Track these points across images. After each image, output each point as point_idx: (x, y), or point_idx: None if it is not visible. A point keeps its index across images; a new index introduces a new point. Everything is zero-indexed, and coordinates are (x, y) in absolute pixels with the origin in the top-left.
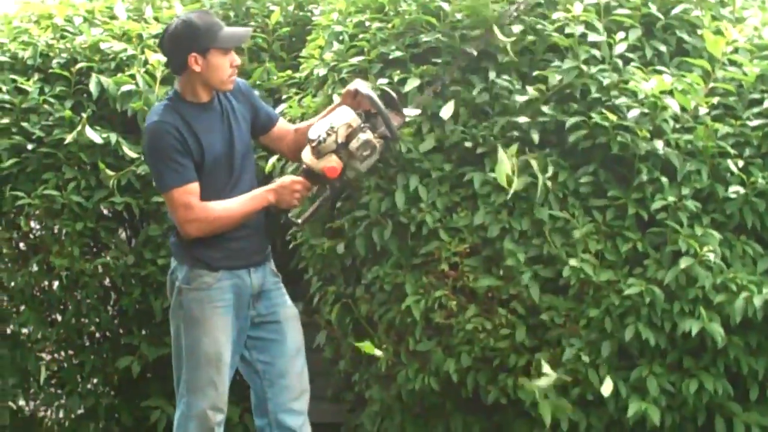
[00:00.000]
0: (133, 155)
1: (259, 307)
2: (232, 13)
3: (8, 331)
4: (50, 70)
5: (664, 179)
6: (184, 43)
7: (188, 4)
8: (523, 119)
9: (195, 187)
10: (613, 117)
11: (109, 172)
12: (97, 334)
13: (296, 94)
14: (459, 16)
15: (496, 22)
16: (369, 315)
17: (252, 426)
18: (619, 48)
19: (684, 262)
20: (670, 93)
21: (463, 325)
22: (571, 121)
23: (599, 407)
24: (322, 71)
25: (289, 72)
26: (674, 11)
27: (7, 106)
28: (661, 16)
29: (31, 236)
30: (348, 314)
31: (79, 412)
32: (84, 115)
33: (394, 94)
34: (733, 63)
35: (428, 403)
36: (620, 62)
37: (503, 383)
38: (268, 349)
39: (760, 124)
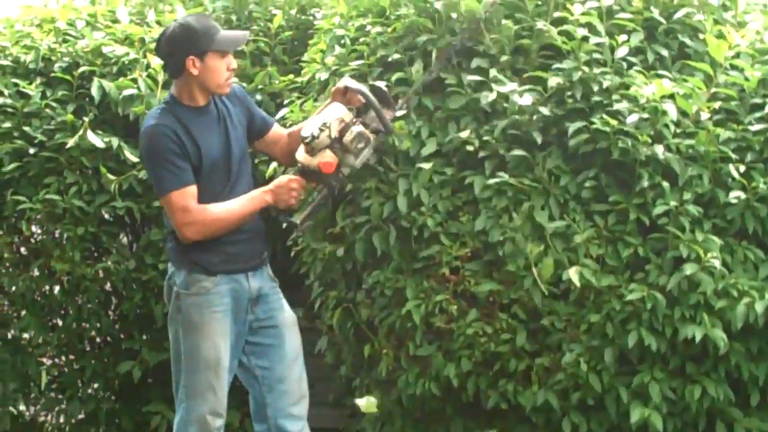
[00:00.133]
0: (135, 160)
1: (257, 312)
2: (234, 17)
3: (9, 335)
4: (52, 74)
5: (665, 184)
6: (182, 46)
7: (190, 7)
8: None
9: (193, 190)
10: (613, 122)
11: (111, 177)
12: (98, 339)
13: (298, 98)
14: (454, 15)
15: (479, 13)
16: (370, 320)
17: (252, 431)
18: (621, 51)
19: (686, 268)
20: (671, 98)
21: (463, 330)
22: (572, 126)
23: (600, 412)
24: (323, 75)
25: (291, 76)
26: (676, 15)
27: (9, 110)
28: (663, 20)
29: (33, 241)
30: (349, 319)
31: (80, 417)
32: (86, 120)
33: (384, 89)
34: (735, 68)
35: (429, 407)
36: (624, 65)
37: (504, 388)
38: (267, 354)
39: (761, 129)
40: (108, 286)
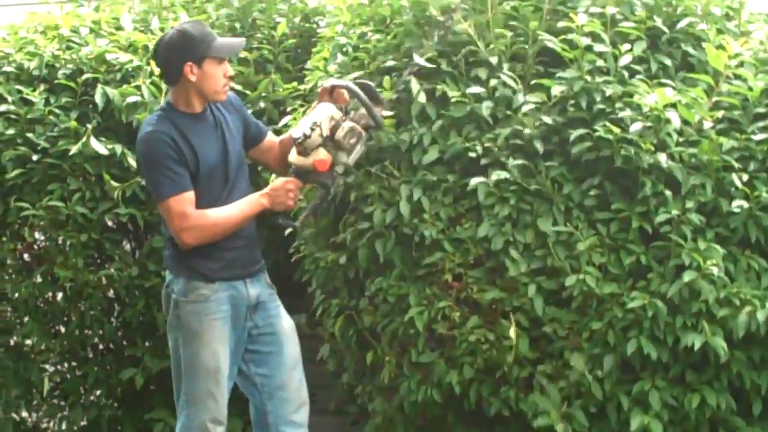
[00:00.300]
0: None
1: (256, 319)
2: (238, 25)
3: (12, 342)
4: (56, 81)
5: (668, 193)
6: (179, 52)
7: (194, 15)
8: (527, 129)
9: (191, 195)
10: (616, 130)
11: (114, 184)
12: (101, 346)
13: (301, 105)
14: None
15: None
16: (372, 327)
17: None
18: (624, 60)
19: (687, 276)
20: (674, 107)
21: (466, 337)
22: (575, 134)
23: (601, 420)
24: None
25: (294, 84)
26: (680, 25)
27: (13, 116)
28: (666, 29)
29: (36, 247)
30: (351, 326)
31: (82, 423)
32: (89, 126)
33: (372, 84)
34: (738, 77)
35: (431, 414)
36: (626, 74)
37: (506, 395)
38: (266, 361)
39: (764, 138)
40: (111, 293)
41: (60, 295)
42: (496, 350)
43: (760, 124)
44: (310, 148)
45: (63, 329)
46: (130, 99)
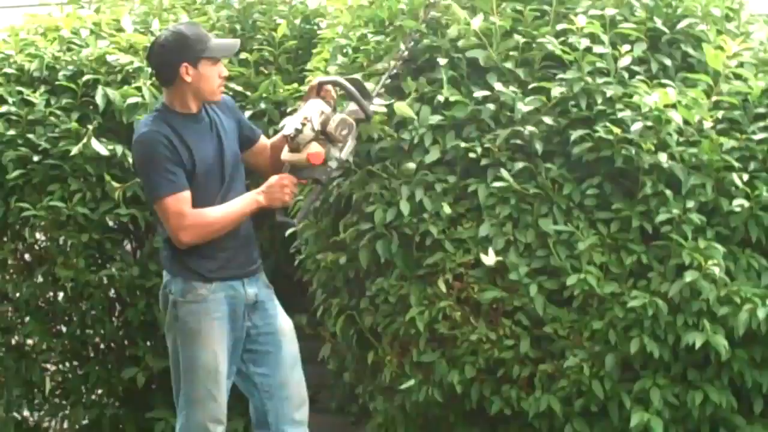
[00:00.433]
0: None
1: (254, 319)
2: (238, 26)
3: (13, 341)
4: (56, 82)
5: (668, 192)
6: (175, 53)
7: (195, 16)
8: (527, 130)
9: (187, 195)
10: (617, 130)
11: (115, 184)
12: (102, 346)
13: None
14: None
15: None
16: (373, 327)
17: None
18: (625, 61)
19: (688, 276)
20: (674, 107)
21: (467, 336)
22: (575, 134)
23: (603, 419)
24: None
25: (295, 85)
26: (679, 25)
27: (14, 117)
28: (666, 30)
29: (37, 247)
30: (352, 326)
31: (84, 423)
32: (90, 127)
33: (360, 79)
34: (738, 77)
35: (432, 414)
36: (626, 75)
37: (507, 394)
38: (265, 361)
39: (765, 138)
40: (112, 293)
41: (61, 295)
42: (497, 350)
43: (761, 124)
44: (303, 143)
45: (64, 329)
46: (131, 100)
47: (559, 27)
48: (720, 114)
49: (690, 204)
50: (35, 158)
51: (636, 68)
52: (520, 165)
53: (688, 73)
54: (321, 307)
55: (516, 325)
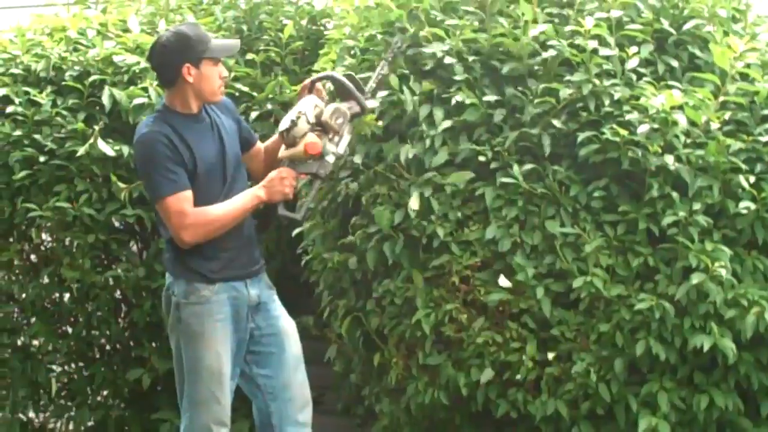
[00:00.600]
0: None
1: (257, 320)
2: (245, 27)
3: (19, 342)
4: (63, 83)
5: (675, 194)
6: (176, 54)
7: (201, 17)
8: (535, 132)
9: (188, 194)
10: (624, 132)
11: (121, 185)
12: (108, 347)
13: None
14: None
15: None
16: (379, 329)
17: None
18: (632, 63)
19: (695, 278)
20: (681, 108)
21: (473, 339)
22: (582, 136)
23: (609, 422)
24: None
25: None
26: (686, 27)
27: (20, 118)
28: (673, 31)
29: (43, 248)
30: (358, 328)
31: (89, 424)
32: (96, 128)
33: (354, 75)
34: (744, 78)
35: (438, 417)
36: (633, 77)
37: (513, 397)
38: (269, 362)
39: None
40: (118, 294)
41: (67, 295)
42: (503, 352)
43: (767, 125)
44: (298, 135)
45: (70, 330)
46: (137, 101)
47: (567, 28)
48: (727, 115)
49: (696, 206)
50: (41, 159)
51: (642, 70)
52: (528, 167)
53: (694, 74)
54: (327, 308)
55: (522, 328)
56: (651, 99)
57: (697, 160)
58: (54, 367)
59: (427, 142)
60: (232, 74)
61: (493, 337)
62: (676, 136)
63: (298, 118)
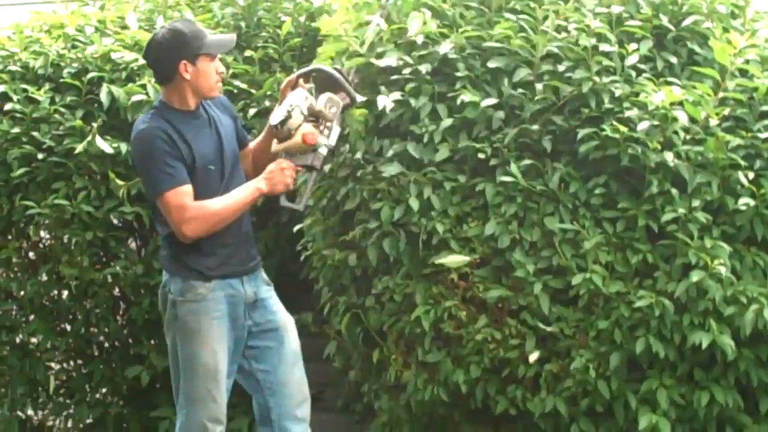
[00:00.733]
0: None
1: (255, 317)
2: (243, 24)
3: (17, 340)
4: (61, 80)
5: (674, 191)
6: (173, 51)
7: (199, 14)
8: (535, 128)
9: (188, 188)
10: (623, 129)
11: (119, 182)
12: (106, 344)
13: None
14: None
15: None
16: (379, 325)
17: None
18: (631, 59)
19: (694, 275)
20: (680, 104)
21: (472, 336)
22: (582, 132)
23: (608, 419)
24: None
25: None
26: (685, 23)
27: (18, 115)
28: (672, 27)
29: (41, 246)
30: (358, 324)
31: (88, 421)
32: (94, 125)
33: (341, 69)
34: (744, 74)
35: (437, 413)
36: (633, 73)
37: (512, 394)
38: (267, 357)
39: None
40: (116, 291)
41: (65, 293)
42: (502, 349)
43: (766, 122)
44: (293, 127)
45: (68, 327)
46: (136, 98)
47: (571, 26)
48: (726, 112)
49: (696, 203)
50: (40, 156)
51: (642, 66)
52: (527, 164)
53: (694, 68)
54: (327, 305)
55: (521, 325)
56: (651, 95)
57: (697, 157)
58: (52, 364)
59: (426, 138)
60: (230, 71)
61: (492, 334)
62: (676, 133)
63: (292, 109)
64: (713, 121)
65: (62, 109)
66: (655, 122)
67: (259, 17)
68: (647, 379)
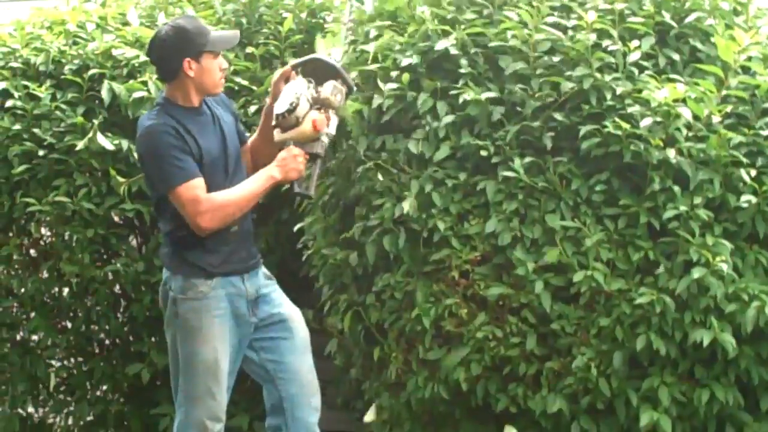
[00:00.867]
0: None
1: (259, 313)
2: (244, 20)
3: (18, 337)
4: (62, 77)
5: (676, 188)
6: (176, 48)
7: (200, 10)
8: (536, 125)
9: (200, 181)
10: (625, 125)
11: (120, 179)
12: (107, 341)
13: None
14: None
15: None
16: (379, 323)
17: None
18: (633, 56)
19: (696, 272)
20: (683, 101)
21: (473, 333)
22: (584, 129)
23: (610, 416)
24: None
25: None
26: (687, 19)
27: (19, 112)
28: (674, 24)
29: (42, 243)
30: (359, 322)
31: (89, 419)
32: (95, 122)
33: (337, 58)
34: (746, 71)
35: (438, 411)
36: (635, 71)
37: (513, 392)
38: (278, 348)
39: None
40: (117, 289)
41: (66, 290)
42: (503, 347)
43: None
44: (301, 115)
45: (69, 325)
46: (137, 94)
47: (570, 23)
48: (728, 109)
49: (697, 200)
50: (41, 153)
51: (644, 63)
52: (529, 161)
53: (697, 65)
54: (327, 303)
55: (522, 323)
56: (653, 92)
57: (699, 154)
58: (53, 361)
59: (430, 135)
60: (232, 68)
61: (492, 332)
62: (678, 130)
63: (298, 98)
64: (716, 118)
65: (63, 106)
66: (658, 119)
67: (260, 14)
68: (648, 377)
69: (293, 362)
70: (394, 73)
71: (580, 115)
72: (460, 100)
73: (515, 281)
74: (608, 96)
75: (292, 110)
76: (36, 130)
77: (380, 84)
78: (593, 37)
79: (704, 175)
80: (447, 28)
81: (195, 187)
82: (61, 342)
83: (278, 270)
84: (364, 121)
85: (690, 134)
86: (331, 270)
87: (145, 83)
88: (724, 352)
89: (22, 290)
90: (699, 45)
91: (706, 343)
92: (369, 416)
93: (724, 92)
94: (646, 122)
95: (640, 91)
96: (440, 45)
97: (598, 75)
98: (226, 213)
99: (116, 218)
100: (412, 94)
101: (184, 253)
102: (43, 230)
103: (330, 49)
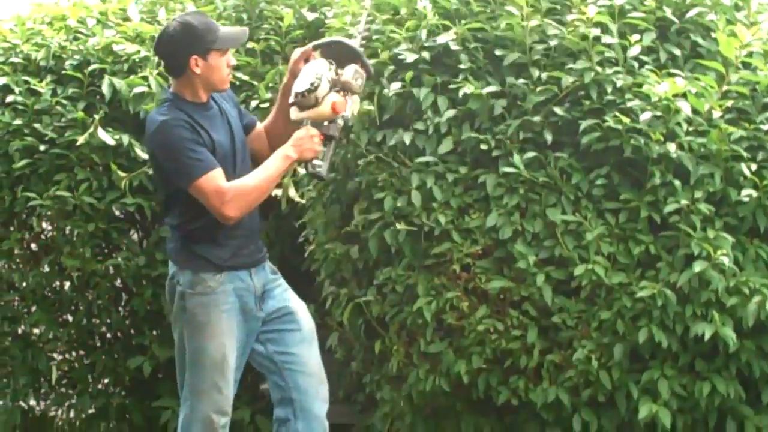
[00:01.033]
0: (145, 157)
1: (266, 307)
2: (245, 16)
3: (19, 331)
4: (63, 72)
5: (676, 182)
6: (184, 45)
7: (201, 6)
8: (537, 120)
9: (219, 171)
10: (626, 120)
11: (121, 174)
12: (109, 335)
13: None
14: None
15: None
16: (380, 316)
17: (264, 427)
18: (634, 51)
19: (697, 266)
20: (684, 96)
21: (474, 327)
22: (584, 123)
23: (610, 409)
24: None
25: None
26: (688, 15)
27: (20, 107)
28: (675, 19)
29: (43, 237)
30: (360, 316)
31: (90, 412)
32: (96, 117)
33: (358, 41)
34: (747, 66)
35: (439, 404)
36: (635, 64)
37: (514, 385)
38: (285, 339)
39: None
40: (118, 282)
41: (67, 284)
42: (504, 340)
43: None
44: (321, 95)
45: (71, 318)
46: (137, 89)
47: (569, 17)
48: (729, 104)
49: (698, 194)
50: (42, 148)
51: (644, 58)
52: (530, 155)
53: (698, 60)
54: (329, 297)
55: (523, 316)
56: (654, 87)
57: (699, 148)
58: (55, 355)
59: (431, 129)
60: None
61: (494, 325)
62: (678, 124)
63: (319, 79)
64: (716, 113)
65: (64, 101)
66: (658, 113)
67: (260, 9)
68: (649, 370)
69: (301, 353)
70: (391, 68)
71: (581, 110)
72: (460, 94)
73: (516, 275)
74: (609, 90)
75: (312, 90)
76: (37, 125)
77: (384, 82)
78: (594, 31)
79: (705, 169)
80: (447, 23)
81: (216, 177)
82: (63, 335)
83: (279, 264)
84: (366, 115)
85: (691, 129)
86: (332, 264)
87: (145, 78)
88: (725, 346)
89: (24, 284)
90: (700, 40)
91: (707, 336)
92: None
93: (725, 88)
94: (646, 116)
95: (640, 85)
96: (440, 40)
97: (598, 69)
98: (250, 199)
99: (117, 212)
100: (414, 90)
101: (193, 246)
102: (44, 224)
103: (351, 30)
